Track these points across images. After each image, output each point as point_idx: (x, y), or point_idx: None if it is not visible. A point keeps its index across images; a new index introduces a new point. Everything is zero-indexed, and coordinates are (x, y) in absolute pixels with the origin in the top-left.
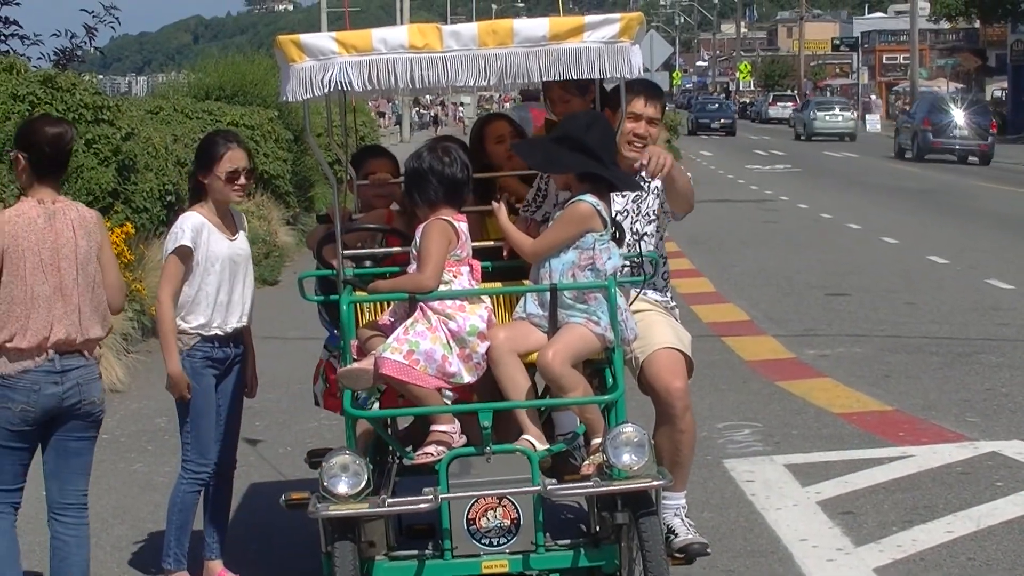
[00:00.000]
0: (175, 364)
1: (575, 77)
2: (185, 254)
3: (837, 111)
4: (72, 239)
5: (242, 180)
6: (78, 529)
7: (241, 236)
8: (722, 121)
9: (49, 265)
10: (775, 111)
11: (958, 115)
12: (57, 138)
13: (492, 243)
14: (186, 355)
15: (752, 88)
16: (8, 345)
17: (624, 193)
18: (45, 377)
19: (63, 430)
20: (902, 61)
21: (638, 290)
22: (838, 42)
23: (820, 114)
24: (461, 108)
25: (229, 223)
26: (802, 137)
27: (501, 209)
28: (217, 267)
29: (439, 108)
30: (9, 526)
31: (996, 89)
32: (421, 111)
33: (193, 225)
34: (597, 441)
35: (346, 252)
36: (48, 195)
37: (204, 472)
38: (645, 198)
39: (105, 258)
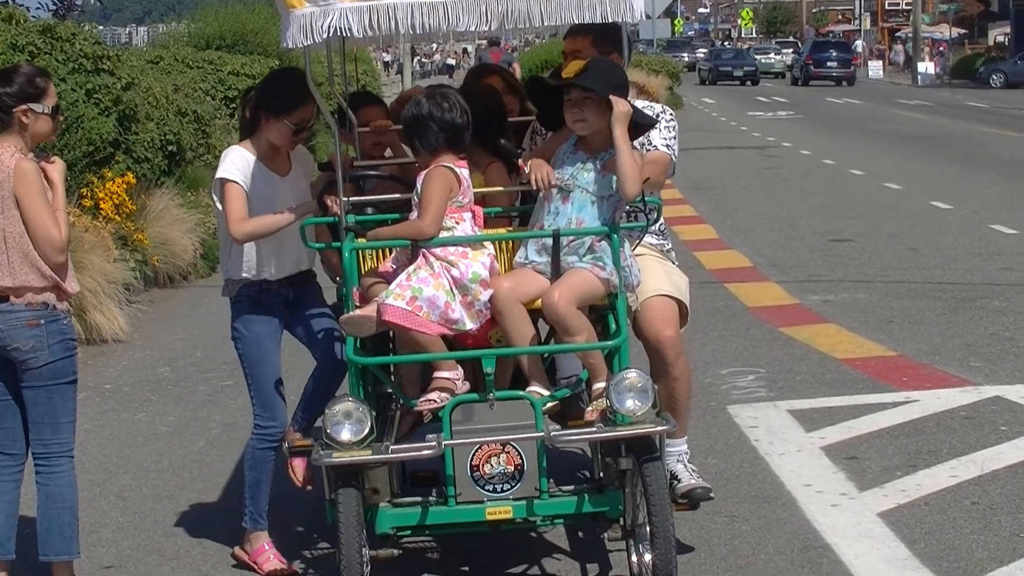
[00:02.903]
0: (287, 216)
1: (576, 21)
2: (223, 185)
3: (771, 55)
4: None
5: (304, 133)
6: (47, 478)
7: (294, 175)
8: (745, 68)
9: None
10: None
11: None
12: None
13: (485, 189)
14: (233, 302)
15: (754, 35)
16: None
17: None
18: None
19: (21, 380)
20: (904, 7)
21: (639, 236)
22: None
23: (758, 57)
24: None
25: (281, 162)
26: None
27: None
28: (262, 208)
29: (462, 54)
30: (2, 485)
31: (999, 34)
32: (423, 59)
33: (235, 158)
34: (600, 386)
35: (348, 199)
36: None
37: (272, 427)
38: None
39: (23, 211)
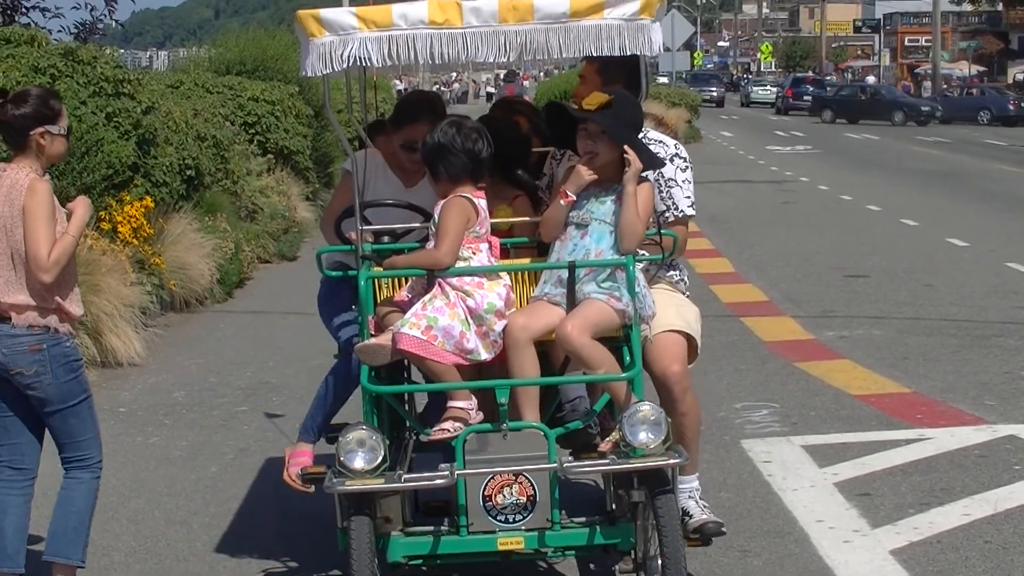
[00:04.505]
0: None
1: (595, 54)
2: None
3: (767, 86)
4: None
5: (415, 154)
6: (66, 483)
7: (421, 188)
8: (922, 108)
9: None
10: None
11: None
12: None
13: (512, 219)
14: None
15: (773, 69)
16: None
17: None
18: None
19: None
20: (924, 43)
21: (656, 268)
22: (860, 23)
23: (755, 88)
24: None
25: (409, 174)
26: (743, 104)
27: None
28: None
29: (496, 80)
30: (7, 498)
31: (1018, 72)
32: (442, 88)
33: (360, 155)
34: None
35: (364, 227)
36: (14, 163)
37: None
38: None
39: (25, 224)
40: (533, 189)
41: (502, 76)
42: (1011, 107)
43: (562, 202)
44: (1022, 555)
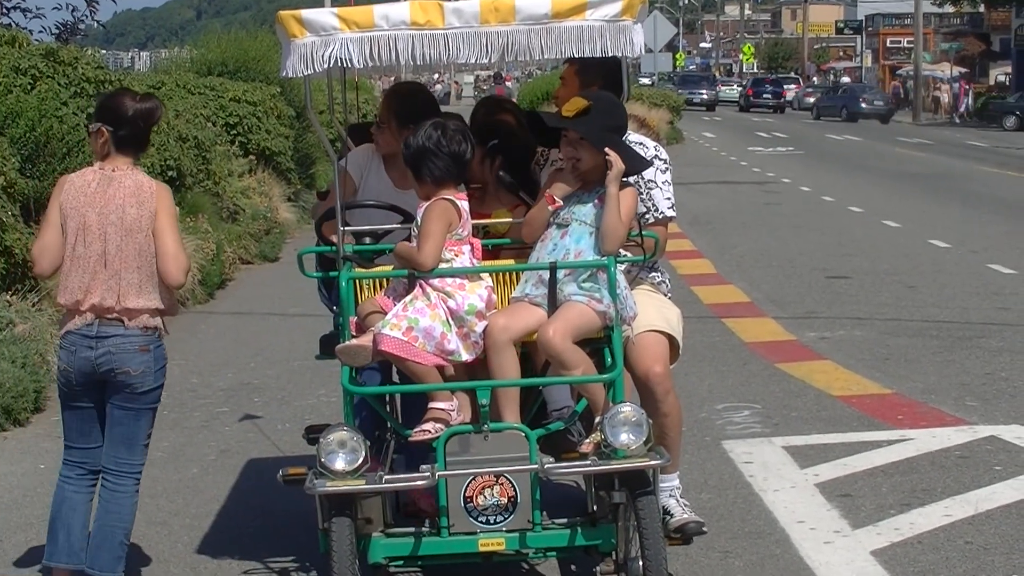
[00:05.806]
0: None
1: (576, 55)
2: (340, 170)
3: (734, 87)
4: (121, 206)
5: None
6: (111, 494)
7: (412, 195)
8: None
9: (95, 229)
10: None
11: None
12: (149, 113)
13: (494, 220)
14: None
15: (755, 70)
16: (58, 302)
17: None
18: (81, 340)
19: (111, 398)
20: (906, 45)
21: (638, 270)
22: (842, 25)
23: (723, 88)
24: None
25: (405, 177)
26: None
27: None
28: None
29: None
30: (79, 496)
31: (1000, 74)
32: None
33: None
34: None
35: (346, 228)
36: (116, 163)
37: None
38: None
39: (159, 226)
40: (516, 191)
41: (491, 78)
42: (863, 104)
43: (550, 207)
44: (1002, 556)
